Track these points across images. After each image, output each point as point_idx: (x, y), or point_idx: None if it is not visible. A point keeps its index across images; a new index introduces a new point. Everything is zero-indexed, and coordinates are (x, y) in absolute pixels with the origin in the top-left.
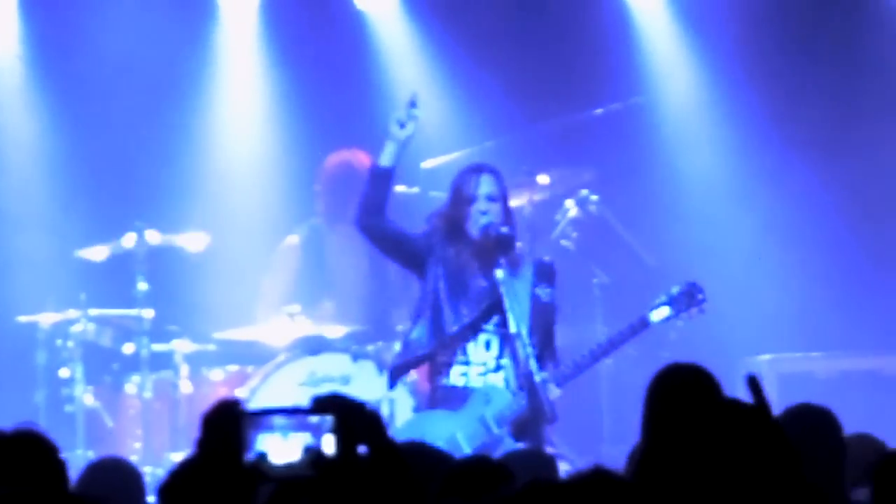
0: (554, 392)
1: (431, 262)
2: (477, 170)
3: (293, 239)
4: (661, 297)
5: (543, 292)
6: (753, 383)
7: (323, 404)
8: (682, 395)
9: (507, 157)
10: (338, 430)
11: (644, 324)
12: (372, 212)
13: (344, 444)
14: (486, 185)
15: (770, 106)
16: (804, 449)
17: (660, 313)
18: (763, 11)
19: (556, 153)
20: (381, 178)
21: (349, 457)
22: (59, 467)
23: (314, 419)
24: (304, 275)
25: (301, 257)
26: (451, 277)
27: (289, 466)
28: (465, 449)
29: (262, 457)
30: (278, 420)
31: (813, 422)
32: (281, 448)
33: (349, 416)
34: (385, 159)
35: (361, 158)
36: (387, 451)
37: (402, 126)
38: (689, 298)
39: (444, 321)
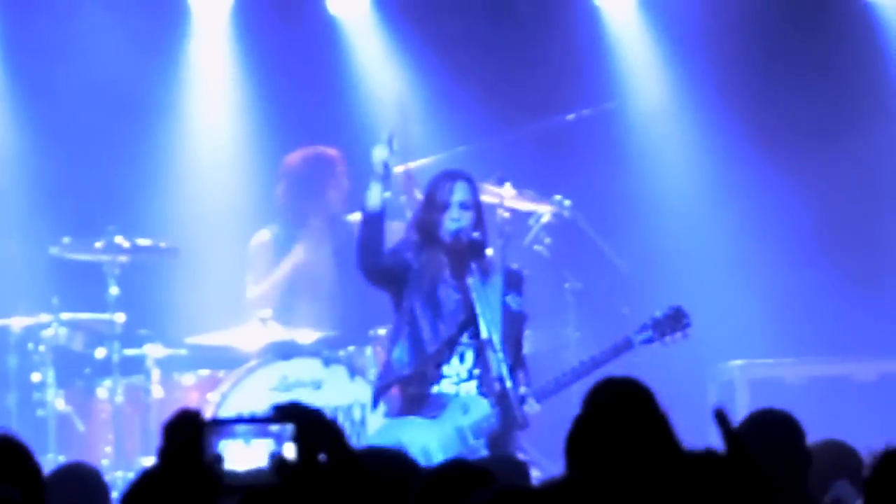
0: (534, 407)
1: (409, 279)
2: (451, 176)
3: (264, 234)
4: (647, 320)
5: (513, 301)
6: (721, 417)
7: (283, 413)
8: (617, 408)
9: (479, 162)
10: (298, 439)
11: (628, 345)
12: (371, 252)
13: (304, 452)
14: (459, 193)
15: (742, 112)
16: (767, 453)
17: (644, 336)
18: (736, 18)
19: (528, 158)
20: (374, 221)
21: (309, 465)
22: (36, 472)
23: (275, 428)
24: (275, 268)
25: (273, 253)
26: (426, 293)
27: (253, 473)
28: (438, 459)
29: (218, 458)
30: (240, 427)
31: (775, 427)
32: (243, 455)
33: (308, 424)
34: (373, 201)
35: (323, 153)
36: (346, 459)
37: (387, 167)
38: (674, 322)
39: (423, 340)
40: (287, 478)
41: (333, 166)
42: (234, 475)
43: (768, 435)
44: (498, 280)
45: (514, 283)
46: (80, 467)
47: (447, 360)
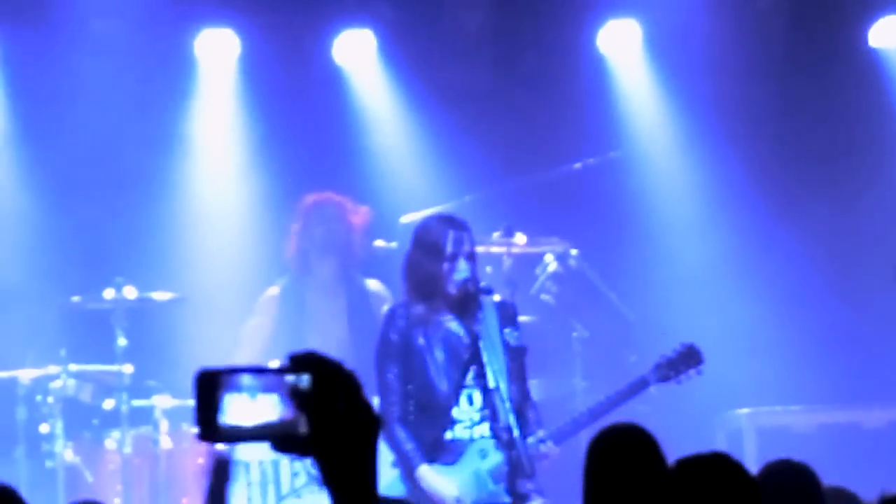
0: (553, 449)
1: (412, 348)
2: (456, 226)
3: (273, 290)
4: (660, 359)
5: (511, 336)
6: None
7: (299, 362)
8: (621, 456)
9: (485, 211)
10: (314, 389)
11: (644, 384)
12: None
13: (320, 403)
14: (467, 244)
15: (749, 159)
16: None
17: (658, 374)
18: (742, 66)
19: (534, 208)
20: None
21: (326, 416)
22: None
23: (290, 378)
24: (283, 324)
25: (279, 306)
26: (431, 348)
27: (260, 427)
28: None
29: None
30: (246, 380)
31: (792, 477)
32: (249, 409)
33: (325, 375)
34: None
35: (315, 197)
36: (363, 412)
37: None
38: (687, 360)
39: (433, 381)
40: (304, 405)
41: (322, 208)
42: (238, 428)
43: (787, 484)
44: (493, 316)
45: (508, 316)
46: None
47: (455, 403)
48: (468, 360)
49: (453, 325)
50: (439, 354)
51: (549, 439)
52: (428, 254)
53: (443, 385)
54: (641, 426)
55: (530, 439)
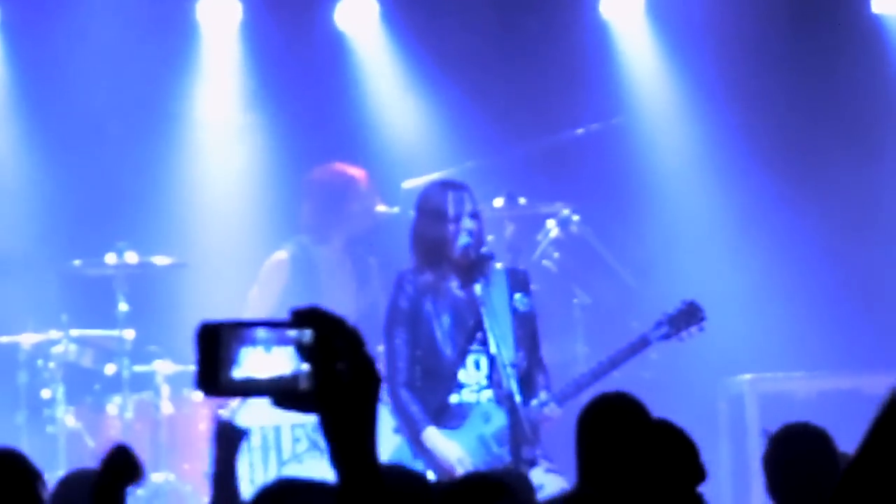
0: (555, 411)
1: (421, 315)
2: (455, 187)
3: (281, 254)
4: (661, 316)
5: (521, 301)
6: None
7: (302, 318)
8: (611, 424)
9: (488, 177)
10: (317, 344)
11: (645, 342)
12: None
13: (323, 358)
14: (469, 203)
15: (752, 127)
16: (799, 468)
17: (660, 332)
18: (746, 33)
19: (536, 174)
20: None
21: (328, 371)
22: (36, 490)
23: (292, 333)
24: (291, 291)
25: (289, 273)
26: (438, 315)
27: (274, 380)
28: (463, 470)
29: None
30: (261, 333)
31: (808, 442)
32: (264, 362)
33: (328, 330)
34: None
35: (351, 171)
36: (365, 367)
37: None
38: (688, 317)
39: (440, 346)
40: (306, 360)
41: (359, 185)
42: (252, 381)
43: (803, 448)
44: (502, 282)
45: (519, 282)
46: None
47: (462, 366)
48: (473, 325)
49: (459, 292)
50: (446, 320)
51: (552, 401)
52: (432, 219)
53: (448, 350)
54: (630, 393)
55: (533, 402)
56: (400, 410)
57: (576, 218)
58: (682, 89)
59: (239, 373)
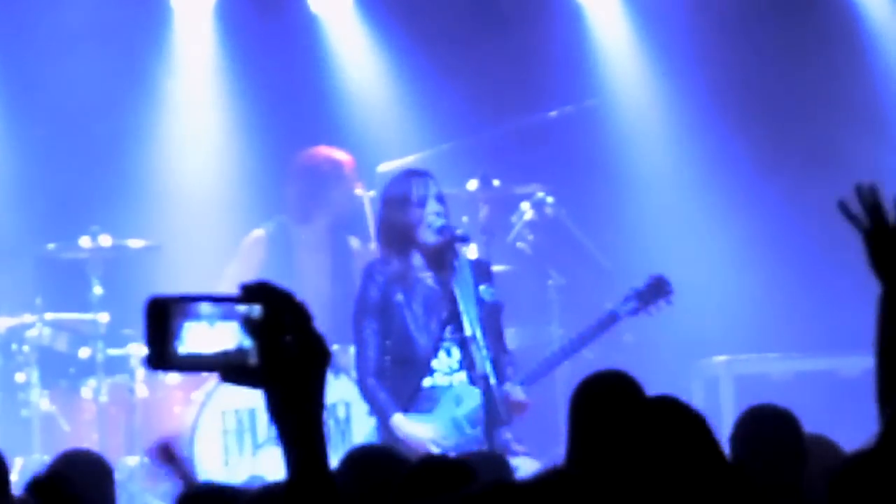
0: (519, 394)
1: (391, 304)
2: (418, 174)
3: (259, 232)
4: (629, 291)
5: (487, 292)
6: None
7: (251, 293)
8: (605, 402)
9: (463, 159)
10: (265, 320)
11: (614, 318)
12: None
13: (270, 332)
14: (433, 187)
15: (727, 107)
16: (764, 449)
17: (628, 307)
18: (721, 12)
19: (511, 156)
20: None
21: (276, 346)
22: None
23: (242, 308)
24: (267, 269)
25: (267, 251)
26: (410, 304)
27: (218, 355)
28: (437, 451)
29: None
30: (205, 308)
31: (773, 422)
32: (208, 337)
33: (277, 305)
34: None
35: (337, 156)
36: (313, 342)
37: None
38: (656, 291)
39: (412, 335)
40: (255, 334)
41: (344, 170)
42: (199, 356)
43: (767, 429)
44: (467, 273)
45: (484, 273)
46: (86, 454)
47: (434, 357)
48: (447, 316)
49: (430, 280)
50: (418, 309)
51: (519, 385)
52: (397, 206)
53: (422, 339)
54: (626, 372)
55: (506, 386)
56: (369, 400)
57: (550, 200)
58: (657, 70)
59: (183, 348)
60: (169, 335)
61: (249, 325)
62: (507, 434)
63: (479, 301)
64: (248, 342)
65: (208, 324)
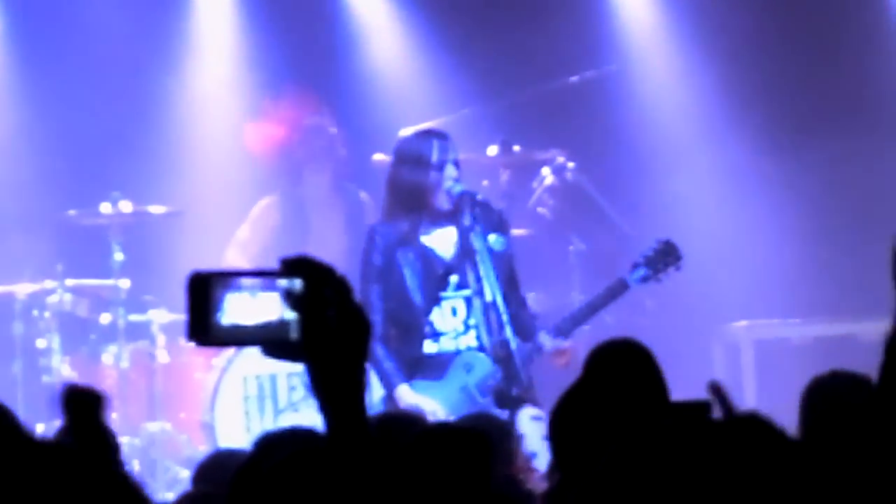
0: (551, 343)
1: (393, 267)
2: (440, 136)
3: (270, 198)
4: (638, 258)
5: (497, 242)
6: (717, 391)
7: (291, 266)
8: (618, 371)
9: (483, 124)
10: (306, 293)
11: (624, 285)
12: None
13: (312, 307)
14: (452, 152)
15: (749, 73)
16: (839, 414)
17: (637, 275)
18: None
19: (531, 121)
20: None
21: (317, 320)
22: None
23: (283, 282)
24: (283, 233)
25: (279, 213)
26: (409, 263)
27: (260, 326)
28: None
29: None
30: (247, 280)
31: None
32: (250, 307)
33: (317, 279)
34: None
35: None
36: (353, 316)
37: None
38: (665, 256)
39: (411, 295)
40: (296, 308)
41: (332, 123)
42: (238, 328)
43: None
44: (480, 237)
45: (492, 221)
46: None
47: (431, 312)
48: (444, 272)
49: (432, 239)
50: (416, 269)
51: (549, 333)
52: (413, 166)
53: (417, 298)
54: (638, 341)
55: (540, 337)
56: (375, 366)
57: (571, 165)
58: (677, 36)
59: (226, 319)
60: (211, 306)
61: (291, 299)
62: (523, 393)
63: (489, 251)
64: (289, 314)
65: (250, 294)
